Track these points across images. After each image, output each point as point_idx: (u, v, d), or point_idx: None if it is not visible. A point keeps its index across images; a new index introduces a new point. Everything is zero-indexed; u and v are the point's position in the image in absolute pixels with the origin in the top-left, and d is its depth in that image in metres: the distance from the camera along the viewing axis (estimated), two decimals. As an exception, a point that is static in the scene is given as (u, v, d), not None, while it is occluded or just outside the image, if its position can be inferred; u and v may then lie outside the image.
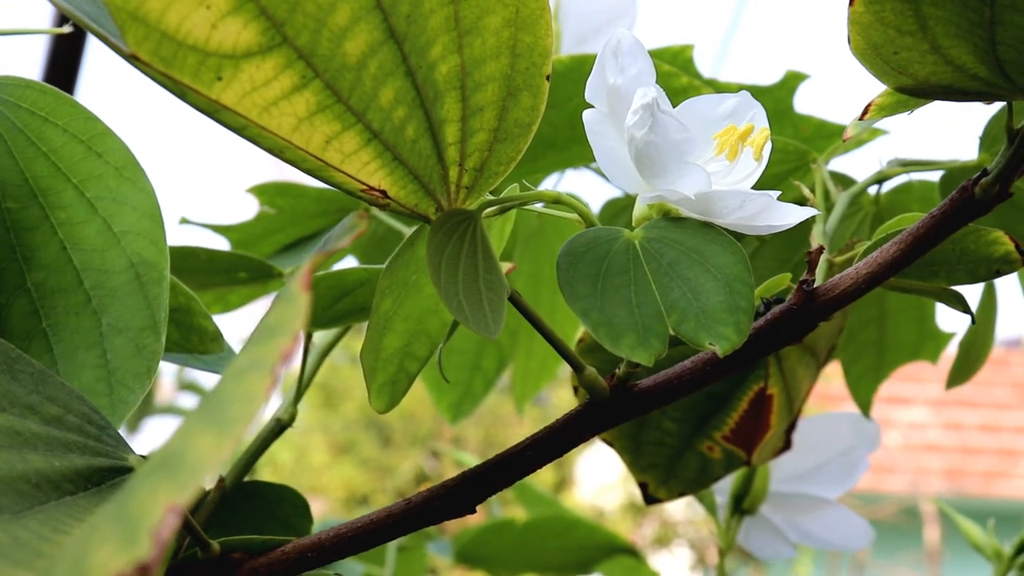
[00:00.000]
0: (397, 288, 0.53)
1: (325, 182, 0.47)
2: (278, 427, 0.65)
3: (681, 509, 6.50)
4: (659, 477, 0.73)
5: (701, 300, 0.48)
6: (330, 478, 7.25)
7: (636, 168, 0.51)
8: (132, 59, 0.40)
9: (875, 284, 0.53)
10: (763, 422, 0.69)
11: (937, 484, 6.99)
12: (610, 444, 0.73)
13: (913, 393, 7.13)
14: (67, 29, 0.61)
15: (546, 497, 1.32)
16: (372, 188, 0.48)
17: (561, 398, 6.10)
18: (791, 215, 0.52)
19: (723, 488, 0.80)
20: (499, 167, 0.50)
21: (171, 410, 2.11)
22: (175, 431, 0.35)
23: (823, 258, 0.60)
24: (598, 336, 0.47)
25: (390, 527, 0.55)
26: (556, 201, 0.52)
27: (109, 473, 0.47)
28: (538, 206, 0.56)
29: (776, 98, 0.78)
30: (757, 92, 0.78)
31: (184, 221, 0.83)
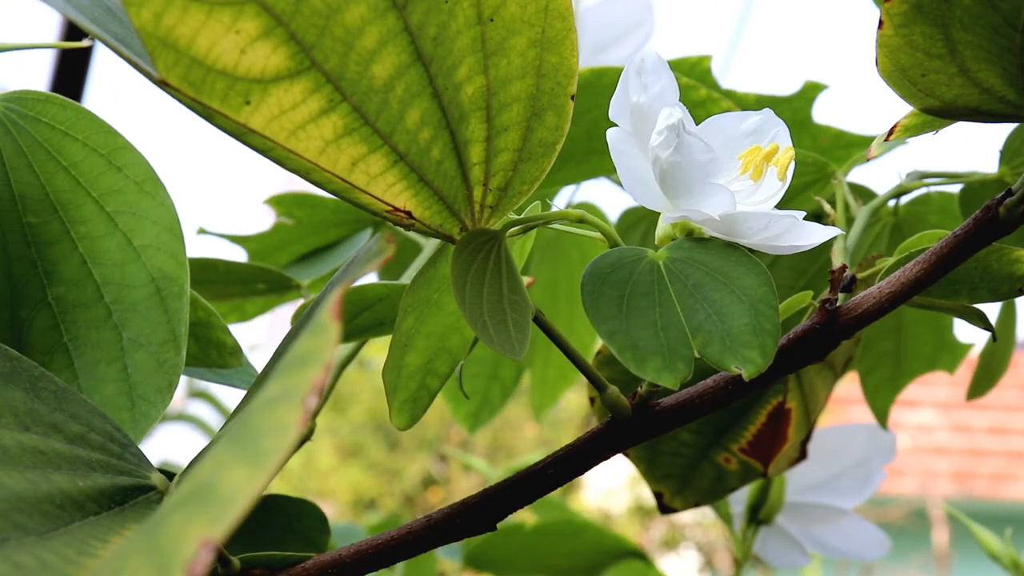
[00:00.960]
0: (419, 306, 0.53)
1: (350, 203, 0.47)
2: (299, 440, 0.65)
3: (689, 512, 6.49)
4: (674, 487, 0.73)
5: (726, 322, 0.48)
6: (337, 482, 7.26)
7: (660, 188, 0.51)
8: (162, 84, 0.40)
9: (898, 304, 0.53)
10: (781, 435, 0.69)
11: (945, 486, 7.00)
12: (625, 454, 0.72)
13: (921, 396, 7.13)
14: (86, 43, 0.61)
15: (555, 501, 1.32)
16: (397, 209, 0.48)
17: (571, 401, 6.09)
18: (815, 235, 0.52)
19: (739, 498, 0.80)
20: (523, 186, 0.50)
21: (182, 418, 2.11)
22: (205, 460, 0.34)
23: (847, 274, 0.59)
24: (623, 359, 0.47)
25: (411, 544, 0.55)
26: (580, 220, 0.52)
27: (132, 492, 0.47)
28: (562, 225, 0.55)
29: (794, 108, 0.78)
30: (775, 102, 0.78)
31: (202, 231, 0.83)
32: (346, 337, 0.62)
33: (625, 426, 0.53)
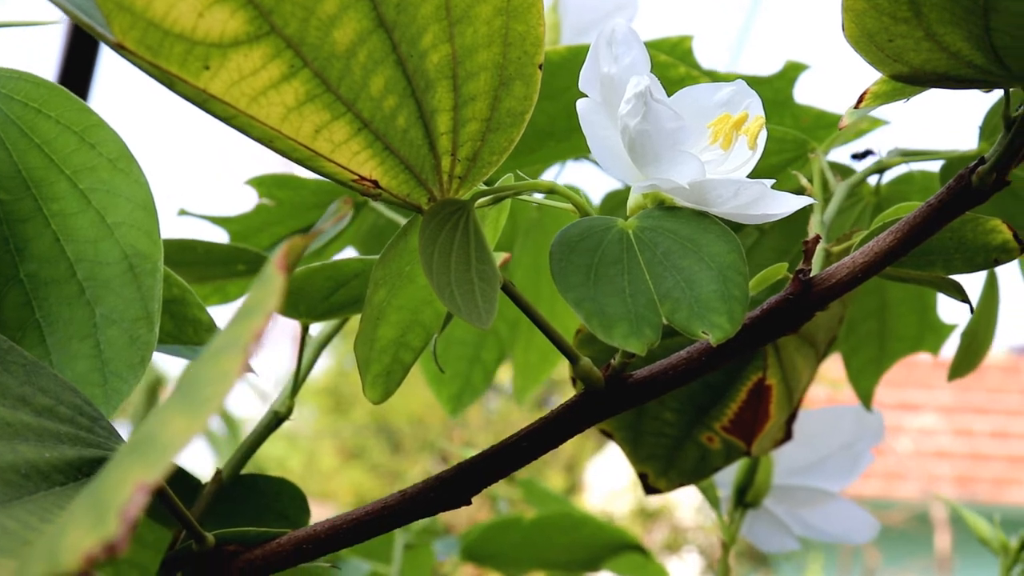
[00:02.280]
0: (391, 279, 0.53)
1: (316, 172, 0.47)
2: (275, 420, 0.65)
3: (691, 515, 6.49)
4: (658, 468, 0.73)
5: (695, 289, 0.47)
6: (339, 483, 7.26)
7: (630, 157, 0.51)
8: (119, 48, 0.40)
9: (871, 273, 0.53)
10: (762, 413, 0.69)
11: (947, 491, 6.99)
12: (610, 436, 0.72)
13: (923, 400, 7.13)
14: (55, 20, 0.61)
15: (554, 495, 1.31)
16: (363, 178, 0.48)
17: (571, 400, 6.11)
18: (787, 204, 0.52)
19: (726, 482, 0.80)
20: (492, 157, 0.50)
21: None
22: (152, 415, 0.35)
23: (820, 247, 0.59)
24: (591, 326, 0.47)
25: (386, 518, 0.55)
26: (551, 191, 0.52)
27: (100, 464, 0.46)
28: (536, 196, 0.55)
29: (776, 88, 0.78)
30: (757, 82, 0.77)
31: (183, 212, 0.83)
32: (324, 315, 0.62)
33: (599, 398, 0.53)
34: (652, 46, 0.76)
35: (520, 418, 6.98)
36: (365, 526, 0.55)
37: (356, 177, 0.47)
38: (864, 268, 0.53)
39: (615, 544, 1.13)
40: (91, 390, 0.54)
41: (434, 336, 0.56)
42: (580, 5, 0.87)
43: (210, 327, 0.61)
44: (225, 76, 0.42)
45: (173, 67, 0.41)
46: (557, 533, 1.13)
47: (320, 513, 0.63)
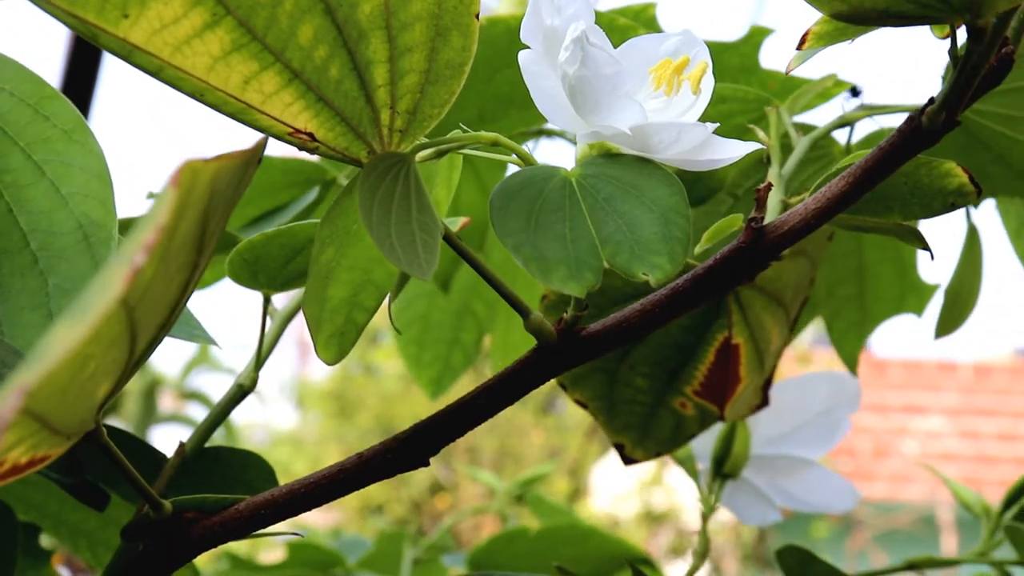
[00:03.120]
0: (338, 237, 0.52)
1: (250, 126, 0.47)
2: (240, 393, 0.64)
3: (697, 519, 6.47)
4: (634, 437, 0.72)
5: (636, 232, 0.47)
6: (344, 487, 7.25)
7: (572, 106, 0.51)
8: (34, -4, 0.40)
9: (824, 219, 0.52)
10: (732, 374, 0.69)
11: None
12: (584, 406, 0.72)
13: (930, 402, 7.12)
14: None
15: (560, 507, 1.31)
16: (298, 131, 0.47)
17: (578, 409, 6.11)
18: (734, 149, 0.51)
19: (704, 454, 0.79)
20: (433, 110, 0.49)
21: (175, 418, 2.12)
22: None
23: (779, 200, 0.59)
24: (529, 270, 0.46)
25: (344, 481, 0.55)
26: (495, 144, 0.52)
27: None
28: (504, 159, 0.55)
29: (742, 54, 0.77)
30: (722, 48, 0.77)
31: (151, 196, 0.83)
32: (284, 285, 0.62)
33: (552, 352, 0.53)
34: (616, 12, 0.76)
35: (525, 423, 6.98)
36: (323, 490, 0.55)
37: (291, 130, 0.47)
38: (816, 214, 0.52)
39: (621, 555, 1.12)
40: (44, 359, 0.54)
41: (387, 296, 0.56)
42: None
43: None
44: (145, 24, 0.42)
45: (90, 15, 0.41)
46: (563, 545, 1.13)
47: (326, 518, 0.63)
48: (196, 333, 0.63)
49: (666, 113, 0.53)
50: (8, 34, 0.63)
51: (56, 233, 0.56)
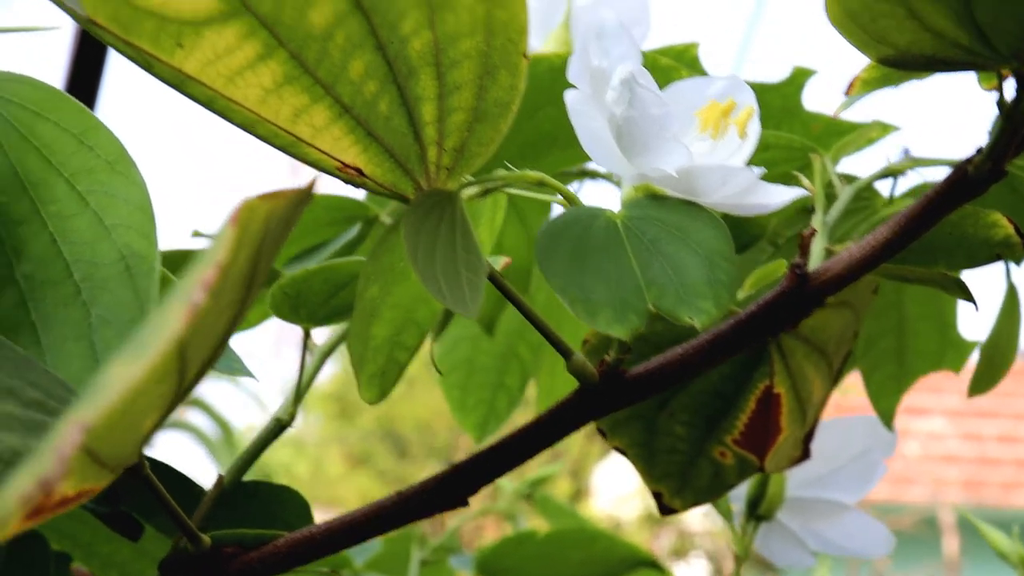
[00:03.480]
0: (383, 275, 0.52)
1: (299, 159, 0.47)
2: (278, 427, 0.64)
3: (698, 520, 6.47)
4: (673, 486, 0.72)
5: (681, 275, 0.47)
6: (346, 489, 7.27)
7: (619, 147, 0.51)
8: (90, 24, 0.40)
9: (869, 267, 0.52)
10: (773, 424, 0.68)
11: (956, 495, 6.95)
12: (623, 452, 0.71)
13: (931, 404, 7.11)
14: (56, 26, 0.62)
15: (568, 509, 1.31)
16: (347, 165, 0.48)
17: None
18: (780, 195, 0.51)
19: (738, 495, 0.79)
20: (480, 147, 0.49)
21: (179, 425, 2.11)
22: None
23: (822, 247, 0.58)
24: (575, 311, 0.46)
25: (382, 520, 0.55)
26: (540, 183, 0.52)
27: (86, 455, 0.46)
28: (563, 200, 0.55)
29: (784, 95, 0.77)
30: (764, 89, 0.77)
31: (197, 234, 0.83)
32: (325, 319, 0.62)
33: (594, 395, 0.53)
34: (658, 52, 0.76)
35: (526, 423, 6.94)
36: (361, 528, 0.55)
37: (340, 164, 0.47)
38: (861, 262, 0.52)
39: (629, 559, 1.12)
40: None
41: (428, 335, 0.56)
42: (590, 22, 0.87)
43: (209, 331, 0.61)
44: (199, 55, 0.42)
45: (146, 44, 0.41)
46: (571, 548, 1.13)
47: (328, 519, 0.62)
48: (235, 367, 0.63)
49: (712, 157, 0.53)
50: (10, 34, 0.63)
51: (99, 264, 0.56)
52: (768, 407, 0.67)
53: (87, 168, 0.56)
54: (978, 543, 0.82)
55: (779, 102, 0.77)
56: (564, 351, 0.52)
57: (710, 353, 0.52)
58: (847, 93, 0.52)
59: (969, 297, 0.56)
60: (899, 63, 0.49)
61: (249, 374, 0.61)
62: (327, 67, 0.44)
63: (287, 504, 0.63)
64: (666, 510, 0.73)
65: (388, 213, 0.80)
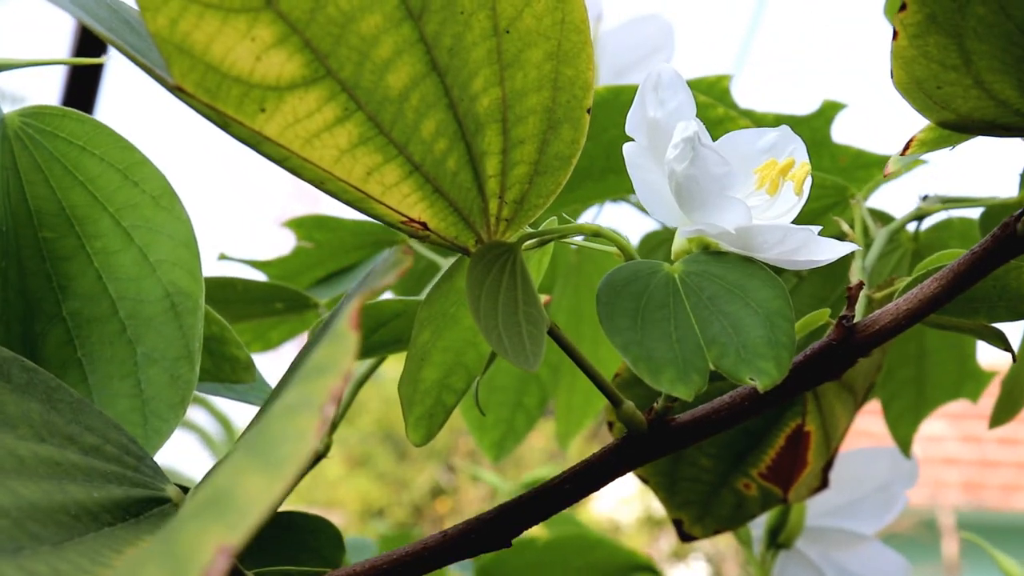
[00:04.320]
0: (435, 320, 0.53)
1: (366, 214, 0.47)
2: (314, 458, 0.65)
3: None
4: (694, 514, 0.72)
5: (741, 335, 0.47)
6: (346, 491, 7.26)
7: (676, 202, 0.51)
8: (177, 91, 0.40)
9: (915, 320, 0.53)
10: (800, 460, 0.69)
11: (955, 497, 6.98)
12: (645, 480, 0.72)
13: (931, 406, 7.11)
14: (102, 60, 0.61)
15: (568, 516, 1.31)
16: (412, 220, 0.48)
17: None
18: (831, 250, 0.51)
19: (758, 522, 0.80)
20: (539, 200, 0.50)
21: (183, 425, 2.10)
22: (221, 468, 0.34)
23: (862, 294, 0.59)
24: (638, 370, 0.47)
25: (426, 559, 0.55)
26: (596, 234, 0.52)
27: (147, 504, 0.46)
28: (578, 239, 0.55)
29: (813, 128, 0.78)
30: (794, 122, 0.77)
31: (223, 257, 0.83)
32: (365, 354, 0.62)
33: (641, 442, 0.53)
34: (689, 85, 0.76)
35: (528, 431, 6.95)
36: (405, 567, 0.55)
37: (405, 219, 0.47)
38: (908, 315, 0.52)
39: (629, 566, 1.12)
40: (131, 430, 0.54)
41: (476, 378, 0.56)
42: (618, 47, 0.88)
43: (248, 365, 0.61)
44: (280, 119, 0.42)
45: (230, 109, 0.41)
46: (571, 555, 1.13)
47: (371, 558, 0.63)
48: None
49: (768, 212, 0.53)
50: (12, 35, 0.63)
51: (144, 301, 0.56)
52: (797, 444, 0.68)
53: (132, 203, 0.56)
54: (977, 546, 0.83)
55: (808, 135, 0.78)
56: (614, 399, 0.52)
57: (757, 401, 0.53)
58: (902, 153, 0.52)
59: (1009, 348, 0.56)
60: (958, 127, 0.50)
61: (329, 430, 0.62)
62: (401, 127, 0.45)
63: (321, 535, 0.63)
64: (687, 537, 0.74)
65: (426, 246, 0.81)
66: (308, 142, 0.43)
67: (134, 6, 0.48)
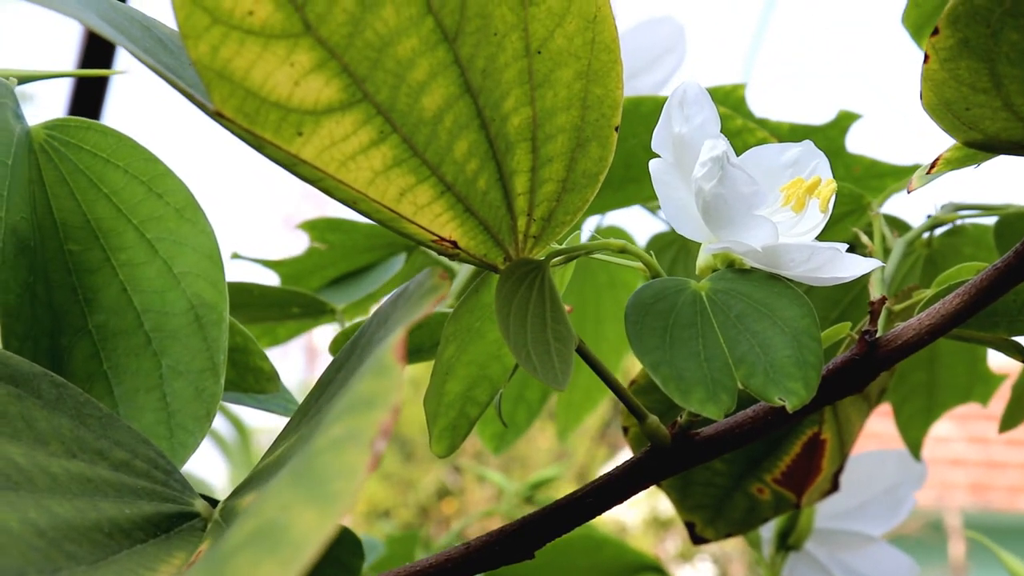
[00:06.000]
0: (461, 334, 0.53)
1: (397, 232, 0.47)
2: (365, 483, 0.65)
3: None
4: (706, 517, 0.73)
5: (769, 354, 0.48)
6: (351, 492, 7.24)
7: (703, 219, 0.51)
8: (217, 116, 0.40)
9: (937, 336, 0.53)
10: (815, 466, 0.69)
11: (962, 498, 6.98)
12: (657, 483, 0.72)
13: (937, 407, 7.11)
14: (123, 71, 0.61)
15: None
16: (443, 239, 0.48)
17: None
18: (856, 267, 0.52)
19: (768, 524, 0.80)
20: (567, 216, 0.50)
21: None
22: (266, 500, 0.34)
23: (885, 307, 0.59)
24: (668, 390, 0.47)
25: (449, 571, 0.55)
26: (623, 251, 0.52)
27: (177, 519, 0.47)
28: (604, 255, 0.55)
29: (828, 137, 0.78)
30: (809, 132, 0.78)
31: (236, 256, 0.83)
32: (383, 365, 0.62)
33: (665, 455, 0.53)
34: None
35: (532, 428, 6.95)
36: (427, 577, 0.55)
37: (436, 238, 0.48)
38: (930, 330, 0.53)
39: (636, 565, 1.13)
40: (158, 443, 0.54)
41: (499, 390, 0.56)
42: (629, 50, 0.88)
43: (272, 376, 0.61)
44: (317, 142, 0.42)
45: (267, 134, 0.41)
46: (578, 555, 1.13)
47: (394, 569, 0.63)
48: (291, 407, 0.63)
49: (794, 229, 0.53)
50: (20, 39, 0.63)
51: (169, 314, 0.56)
52: (813, 451, 0.68)
53: (156, 215, 0.56)
54: (984, 548, 0.83)
55: (823, 144, 0.78)
56: (639, 414, 0.53)
57: (779, 416, 0.53)
58: (929, 171, 0.53)
59: (1028, 361, 0.57)
60: (984, 146, 0.50)
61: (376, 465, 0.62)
62: (434, 149, 0.45)
63: (342, 543, 0.63)
64: (698, 540, 0.74)
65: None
66: (343, 164, 0.43)
67: (166, 21, 0.48)
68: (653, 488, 0.73)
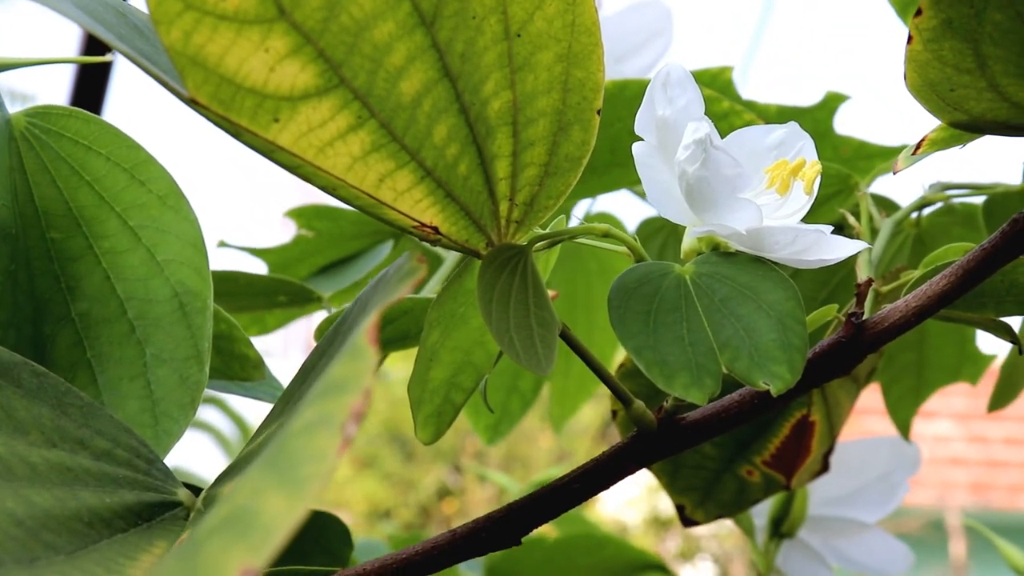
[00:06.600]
0: (445, 320, 0.53)
1: (377, 218, 0.47)
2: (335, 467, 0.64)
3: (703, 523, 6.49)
4: (696, 499, 0.73)
5: (754, 338, 0.47)
6: (352, 492, 7.27)
7: (687, 202, 0.51)
8: (191, 103, 0.40)
9: (925, 317, 0.53)
10: (804, 448, 0.69)
11: (963, 498, 6.98)
12: (643, 468, 0.72)
13: (938, 407, 7.12)
14: (108, 58, 0.61)
15: (576, 515, 1.31)
16: (424, 225, 0.48)
17: (585, 413, 6.09)
18: (842, 249, 0.51)
19: (761, 511, 0.80)
20: (549, 201, 0.50)
21: (195, 424, 2.09)
22: (240, 484, 0.34)
23: (871, 288, 0.59)
24: (651, 375, 0.47)
25: (436, 558, 0.55)
26: (607, 235, 0.52)
27: (159, 508, 0.46)
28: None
29: (816, 119, 0.78)
30: (796, 113, 0.77)
31: (222, 244, 0.83)
32: (369, 350, 0.62)
33: (651, 440, 0.53)
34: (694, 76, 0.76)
35: (533, 427, 6.96)
36: (415, 566, 0.55)
37: (417, 224, 0.47)
38: (917, 312, 0.52)
39: (638, 564, 1.12)
40: (142, 431, 0.54)
41: (484, 376, 0.56)
42: (617, 33, 0.87)
43: (257, 363, 0.61)
44: (294, 128, 0.42)
45: (244, 120, 0.41)
46: (580, 554, 1.13)
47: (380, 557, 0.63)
48: (277, 394, 0.63)
49: (779, 212, 0.53)
50: (19, 35, 0.63)
51: (152, 301, 0.56)
52: (802, 433, 0.68)
53: (139, 203, 0.56)
54: (985, 546, 0.83)
55: (811, 126, 0.78)
56: (624, 399, 0.52)
57: (765, 400, 0.53)
58: (914, 152, 0.52)
59: (1016, 341, 0.56)
60: (970, 127, 0.50)
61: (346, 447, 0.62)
62: (413, 133, 0.44)
63: (329, 531, 0.63)
64: (688, 522, 0.74)
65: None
66: (321, 150, 0.43)
67: (142, 8, 0.48)
68: (653, 488, 0.73)
